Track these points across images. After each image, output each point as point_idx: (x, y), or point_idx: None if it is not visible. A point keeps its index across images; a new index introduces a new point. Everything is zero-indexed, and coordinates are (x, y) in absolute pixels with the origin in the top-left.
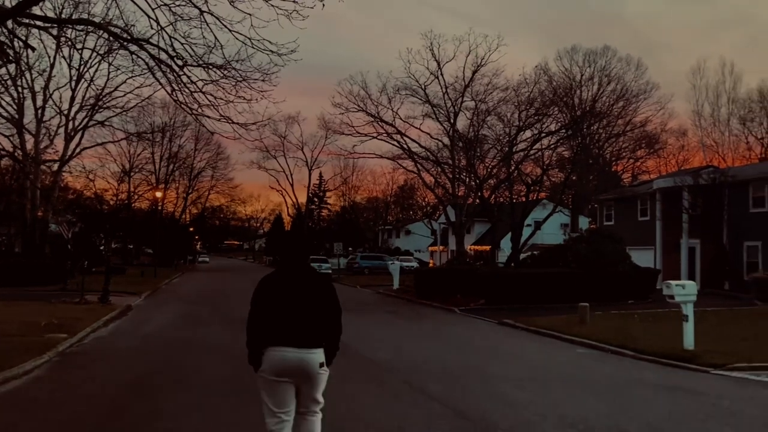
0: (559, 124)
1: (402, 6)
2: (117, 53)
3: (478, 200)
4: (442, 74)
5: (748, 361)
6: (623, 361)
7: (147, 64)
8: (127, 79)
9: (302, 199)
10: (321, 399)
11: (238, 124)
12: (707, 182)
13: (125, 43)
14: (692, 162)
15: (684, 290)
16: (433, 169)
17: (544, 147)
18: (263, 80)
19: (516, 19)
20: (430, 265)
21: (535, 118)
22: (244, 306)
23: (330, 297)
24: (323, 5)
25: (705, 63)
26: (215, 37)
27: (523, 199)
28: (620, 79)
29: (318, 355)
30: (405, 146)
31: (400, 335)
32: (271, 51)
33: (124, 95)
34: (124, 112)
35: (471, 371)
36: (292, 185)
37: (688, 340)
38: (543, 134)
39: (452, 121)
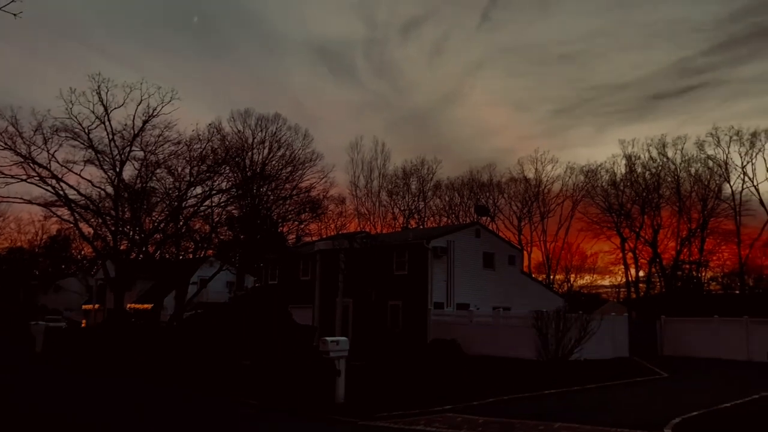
0: (230, 183)
1: (67, 45)
2: None
3: (142, 255)
4: (109, 120)
5: (388, 410)
6: (281, 420)
7: None
8: None
9: None
10: None
11: None
12: (360, 246)
13: None
14: (349, 227)
15: (338, 346)
16: (93, 220)
17: (214, 204)
18: None
19: (190, 76)
20: (83, 325)
21: (207, 174)
22: None
23: None
24: None
25: (362, 139)
26: None
27: (191, 256)
28: (290, 145)
29: None
30: (61, 192)
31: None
32: None
33: None
34: None
35: None
36: None
37: (340, 393)
38: (214, 192)
39: (118, 169)
